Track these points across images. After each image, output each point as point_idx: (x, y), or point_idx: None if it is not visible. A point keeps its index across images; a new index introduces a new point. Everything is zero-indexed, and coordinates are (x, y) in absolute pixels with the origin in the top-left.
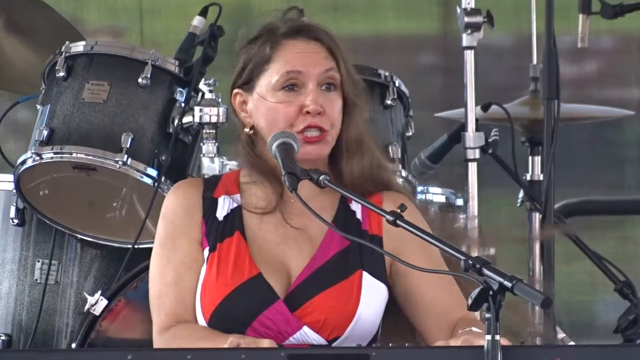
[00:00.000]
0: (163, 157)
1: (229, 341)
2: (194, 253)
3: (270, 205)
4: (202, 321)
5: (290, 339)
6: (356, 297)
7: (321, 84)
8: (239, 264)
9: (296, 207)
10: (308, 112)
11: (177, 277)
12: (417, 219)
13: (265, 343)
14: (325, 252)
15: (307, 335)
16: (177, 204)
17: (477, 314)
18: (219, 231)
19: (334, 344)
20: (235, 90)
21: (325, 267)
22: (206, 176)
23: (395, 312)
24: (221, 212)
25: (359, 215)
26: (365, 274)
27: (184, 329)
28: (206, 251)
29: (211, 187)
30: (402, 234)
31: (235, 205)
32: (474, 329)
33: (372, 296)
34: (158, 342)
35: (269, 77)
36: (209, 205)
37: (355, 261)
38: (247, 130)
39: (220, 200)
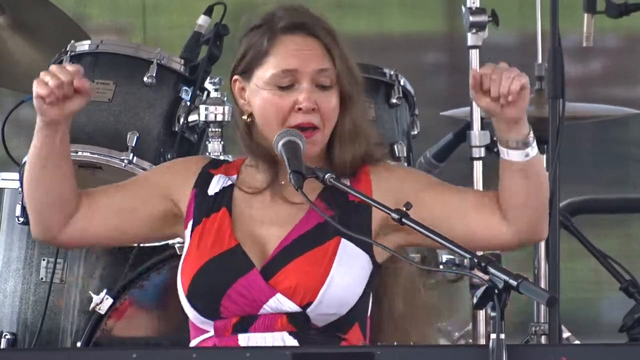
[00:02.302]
0: (169, 156)
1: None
2: (149, 196)
3: (261, 187)
4: (181, 290)
5: (265, 307)
6: (329, 261)
7: (315, 83)
8: (219, 236)
9: (286, 192)
10: (300, 109)
11: (122, 184)
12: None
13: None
14: (305, 224)
15: (281, 302)
16: (177, 161)
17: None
18: (207, 206)
19: (308, 310)
20: (235, 77)
21: (302, 237)
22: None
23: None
24: (213, 189)
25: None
26: (343, 241)
27: None
28: (190, 224)
29: (213, 166)
30: (391, 187)
31: (228, 183)
32: None
33: (348, 261)
34: None
35: (265, 71)
36: (203, 179)
37: (334, 230)
38: (244, 117)
39: (216, 178)
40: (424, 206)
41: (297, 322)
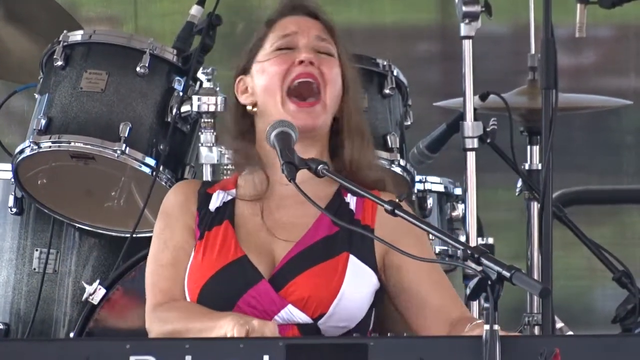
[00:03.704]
0: (161, 146)
1: (234, 331)
2: (190, 239)
3: (261, 193)
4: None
5: (276, 317)
6: (340, 275)
7: (316, 48)
8: (224, 248)
9: (287, 195)
10: (301, 62)
11: (173, 259)
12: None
13: (270, 327)
14: (313, 236)
15: (292, 313)
16: (174, 200)
17: (475, 314)
18: (210, 220)
19: (320, 322)
20: (239, 78)
21: (310, 248)
22: (205, 179)
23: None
24: (214, 204)
25: (352, 206)
26: (352, 257)
27: (177, 305)
28: (196, 241)
29: (207, 185)
30: (395, 229)
31: (229, 198)
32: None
33: (358, 277)
34: (150, 318)
35: (265, 47)
36: (203, 199)
37: (342, 245)
38: (250, 108)
39: (215, 194)
40: (406, 267)
41: (308, 333)
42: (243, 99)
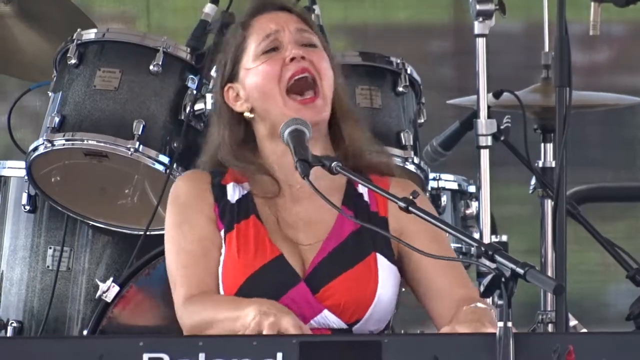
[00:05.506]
0: (175, 144)
1: (251, 327)
2: (213, 230)
3: (275, 192)
4: None
5: (311, 322)
6: (374, 280)
7: (299, 42)
8: (259, 245)
9: (304, 190)
10: (292, 59)
11: (202, 250)
12: (427, 206)
13: (285, 322)
14: (339, 233)
15: (328, 318)
16: (187, 190)
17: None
18: (234, 213)
19: (354, 327)
20: (227, 86)
21: (340, 248)
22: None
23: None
24: (232, 196)
25: (366, 198)
26: (379, 256)
27: (208, 297)
28: (222, 233)
29: (218, 176)
30: (406, 215)
31: (245, 191)
32: (478, 304)
33: (388, 278)
34: (182, 311)
35: (249, 52)
36: (219, 191)
37: (368, 243)
38: (246, 114)
39: (229, 186)
40: (416, 258)
41: None
42: (238, 107)
